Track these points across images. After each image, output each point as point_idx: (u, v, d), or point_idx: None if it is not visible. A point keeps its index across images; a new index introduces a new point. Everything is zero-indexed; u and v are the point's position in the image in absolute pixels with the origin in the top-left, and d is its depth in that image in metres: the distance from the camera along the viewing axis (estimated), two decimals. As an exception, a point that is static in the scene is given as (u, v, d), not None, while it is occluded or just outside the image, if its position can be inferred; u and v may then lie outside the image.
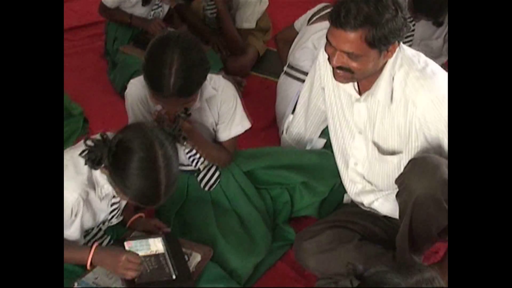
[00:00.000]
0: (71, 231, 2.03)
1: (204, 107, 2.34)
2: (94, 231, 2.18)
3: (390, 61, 2.07)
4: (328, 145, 2.50)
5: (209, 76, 2.24)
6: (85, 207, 2.01)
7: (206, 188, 2.48)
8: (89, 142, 1.90)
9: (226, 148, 2.44)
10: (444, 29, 3.39)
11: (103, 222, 2.18)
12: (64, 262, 1.93)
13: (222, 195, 2.48)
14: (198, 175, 2.47)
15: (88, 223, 2.09)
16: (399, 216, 2.17)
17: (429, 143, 2.13)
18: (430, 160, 2.03)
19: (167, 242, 2.15)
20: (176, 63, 2.09)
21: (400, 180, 2.11)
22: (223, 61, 3.52)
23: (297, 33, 3.13)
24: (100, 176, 1.98)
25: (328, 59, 2.06)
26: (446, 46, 3.41)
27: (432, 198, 2.01)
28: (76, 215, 2.00)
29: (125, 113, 2.39)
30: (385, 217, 2.33)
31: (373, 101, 2.14)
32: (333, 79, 2.11)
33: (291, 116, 2.67)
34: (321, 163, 2.52)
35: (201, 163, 2.44)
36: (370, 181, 2.30)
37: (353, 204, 2.41)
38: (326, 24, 2.01)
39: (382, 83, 2.09)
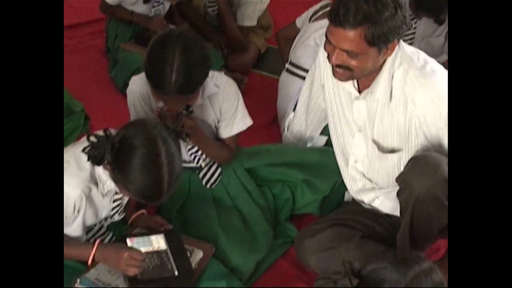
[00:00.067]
0: (74, 227, 2.03)
1: (206, 104, 2.34)
2: (96, 228, 2.19)
3: (390, 59, 2.07)
4: (329, 143, 2.50)
5: (211, 73, 2.24)
6: (87, 203, 2.01)
7: (208, 186, 2.48)
8: (92, 139, 1.90)
9: (228, 145, 2.44)
10: (445, 27, 3.39)
11: (105, 219, 2.18)
12: (66, 259, 1.93)
13: (223, 192, 2.48)
14: (199, 172, 2.47)
15: (91, 220, 2.10)
16: (400, 214, 2.17)
17: (429, 141, 2.14)
18: (431, 158, 2.04)
19: (169, 239, 2.16)
20: (177, 61, 2.10)
21: (400, 179, 2.11)
22: (224, 59, 3.53)
23: (299, 30, 3.13)
24: (102, 172, 1.99)
25: (328, 57, 2.07)
26: (447, 44, 3.42)
27: (433, 196, 2.01)
28: (78, 212, 2.00)
29: (126, 110, 2.39)
30: (386, 215, 2.34)
31: (373, 99, 2.14)
32: (333, 77, 2.12)
33: (292, 114, 2.67)
34: (323, 160, 2.52)
35: (203, 160, 2.44)
36: (370, 179, 2.31)
37: (354, 202, 2.42)
38: (327, 21, 2.02)
39: (382, 81, 2.09)
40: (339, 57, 2.01)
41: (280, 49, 3.34)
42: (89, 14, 3.91)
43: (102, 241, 2.06)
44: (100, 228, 2.20)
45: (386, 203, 2.31)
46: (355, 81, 2.16)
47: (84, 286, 2.02)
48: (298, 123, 2.59)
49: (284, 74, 3.10)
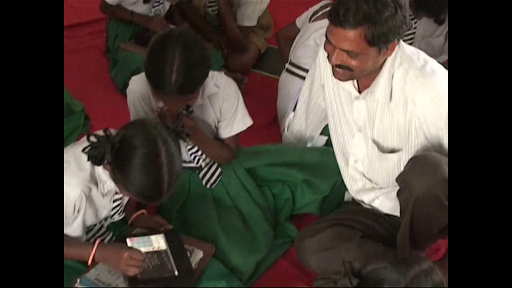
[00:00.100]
0: (74, 227, 2.03)
1: (206, 104, 2.34)
2: (96, 228, 2.19)
3: (390, 59, 2.07)
4: (329, 143, 2.50)
5: (211, 73, 2.24)
6: (87, 203, 2.01)
7: (208, 185, 2.48)
8: (92, 139, 1.90)
9: (228, 145, 2.44)
10: (445, 27, 3.39)
11: (105, 219, 2.18)
12: (66, 259, 1.93)
13: (223, 192, 2.49)
14: (199, 172, 2.47)
15: (91, 220, 2.10)
16: (400, 214, 2.17)
17: (429, 141, 2.14)
18: (431, 158, 2.04)
19: (169, 239, 2.16)
20: (177, 61, 2.10)
21: (400, 179, 2.11)
22: (224, 59, 3.53)
23: (299, 30, 3.13)
24: (102, 172, 1.99)
25: (328, 57, 2.07)
26: (447, 44, 3.42)
27: (433, 196, 2.01)
28: (78, 212, 2.00)
29: (126, 110, 2.39)
30: (386, 215, 2.34)
31: (373, 99, 2.14)
32: (333, 77, 2.12)
33: (292, 114, 2.67)
34: (323, 160, 2.52)
35: (203, 160, 2.44)
36: (370, 179, 2.31)
37: (354, 202, 2.42)
38: (327, 21, 2.02)
39: (382, 81, 2.09)
40: (339, 57, 2.01)
41: (280, 49, 3.34)
42: (89, 14, 3.91)
43: (102, 241, 2.06)
44: (100, 228, 2.20)
45: (386, 203, 2.31)
46: (355, 81, 2.16)
47: (84, 286, 2.02)
48: (298, 123, 2.59)
49: (284, 74, 3.10)
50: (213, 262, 2.21)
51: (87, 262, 2.02)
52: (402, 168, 2.13)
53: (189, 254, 2.17)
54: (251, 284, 2.31)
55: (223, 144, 2.44)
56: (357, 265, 1.54)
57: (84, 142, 1.92)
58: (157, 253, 2.11)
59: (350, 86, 2.18)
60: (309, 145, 2.62)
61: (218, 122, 2.40)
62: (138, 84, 2.33)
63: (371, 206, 2.35)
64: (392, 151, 2.20)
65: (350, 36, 1.95)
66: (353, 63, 2.01)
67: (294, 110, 2.66)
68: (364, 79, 2.13)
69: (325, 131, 2.53)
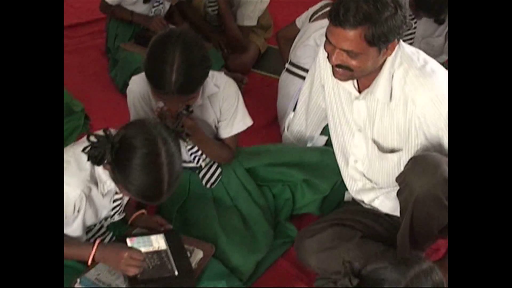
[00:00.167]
0: (74, 227, 2.03)
1: (206, 104, 2.34)
2: (96, 228, 2.19)
3: (390, 59, 2.07)
4: (329, 143, 2.50)
5: (211, 73, 2.24)
6: (87, 203, 2.01)
7: (208, 185, 2.48)
8: (92, 138, 1.90)
9: (228, 145, 2.44)
10: (445, 27, 3.39)
11: (105, 219, 2.19)
12: (66, 258, 1.93)
13: (223, 192, 2.49)
14: (199, 172, 2.47)
15: (91, 220, 2.10)
16: (400, 214, 2.17)
17: (429, 141, 2.14)
18: (431, 158, 2.04)
19: (169, 239, 2.16)
20: (177, 61, 2.10)
21: (400, 179, 2.11)
22: (224, 59, 3.53)
23: (299, 30, 3.13)
24: (102, 172, 1.99)
25: (328, 57, 2.07)
26: (447, 44, 3.42)
27: (433, 196, 2.01)
28: (78, 212, 2.00)
29: (126, 110, 2.39)
30: (386, 215, 2.34)
31: (373, 99, 2.14)
32: (333, 77, 2.12)
33: (292, 114, 2.67)
34: (323, 160, 2.52)
35: (203, 160, 2.44)
36: (370, 179, 2.31)
37: (354, 202, 2.42)
38: (327, 21, 2.02)
39: (382, 81, 2.09)
40: (339, 57, 2.01)
41: (280, 49, 3.34)
42: (89, 14, 3.91)
43: (102, 241, 2.06)
44: (100, 228, 2.20)
45: (386, 203, 2.31)
46: (355, 81, 2.16)
47: (84, 286, 2.02)
48: (298, 123, 2.59)
49: (284, 74, 3.10)
50: (213, 262, 2.21)
51: (87, 262, 2.02)
52: (402, 168, 2.13)
53: (189, 254, 2.17)
54: (251, 284, 2.31)
55: (223, 144, 2.44)
56: (357, 265, 1.54)
57: (84, 142, 1.93)
58: (157, 253, 2.11)
59: (350, 86, 2.18)
60: (309, 145, 2.62)
61: (218, 122, 2.41)
62: (138, 84, 2.33)
63: (371, 206, 2.35)
64: (392, 151, 2.20)
65: (350, 36, 1.95)
66: (353, 63, 2.01)
67: (294, 110, 2.66)
68: (364, 79, 2.13)
69: (325, 131, 2.53)
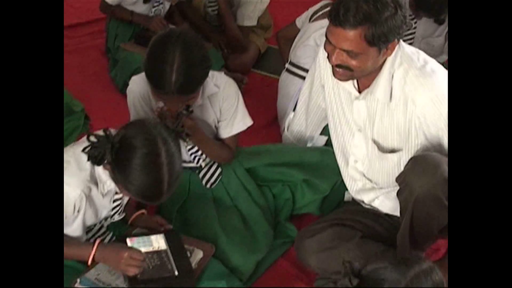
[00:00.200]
0: (74, 227, 2.03)
1: (206, 104, 2.34)
2: (96, 228, 2.19)
3: (390, 59, 2.07)
4: (329, 143, 2.50)
5: (211, 73, 2.24)
6: (87, 203, 2.01)
7: (208, 185, 2.48)
8: (92, 138, 1.90)
9: (228, 145, 2.44)
10: (445, 27, 3.39)
11: (105, 219, 2.19)
12: (66, 258, 1.93)
13: (223, 192, 2.49)
14: (199, 172, 2.47)
15: (91, 220, 2.10)
16: (400, 214, 2.17)
17: (429, 141, 2.14)
18: (431, 158, 2.04)
19: (169, 239, 2.16)
20: (177, 61, 2.10)
21: (400, 179, 2.11)
22: (224, 59, 3.53)
23: (299, 30, 3.13)
24: (102, 172, 1.99)
25: (328, 57, 2.07)
26: (447, 44, 3.42)
27: (433, 196, 2.01)
28: (78, 212, 2.00)
29: (126, 110, 2.39)
30: (386, 215, 2.34)
31: (373, 99, 2.14)
32: (333, 77, 2.12)
33: (292, 114, 2.67)
34: (323, 160, 2.52)
35: (203, 160, 2.44)
36: (370, 179, 2.31)
37: (354, 202, 2.42)
38: (327, 21, 2.02)
39: (382, 81, 2.09)
40: (339, 57, 2.01)
41: (280, 49, 3.34)
42: (89, 14, 3.91)
43: (102, 241, 2.06)
44: (100, 228, 2.20)
45: (386, 203, 2.31)
46: (355, 81, 2.16)
47: (84, 286, 2.02)
48: (298, 123, 2.59)
49: (284, 74, 3.10)
50: (213, 262, 2.21)
51: (87, 262, 2.02)
52: (402, 168, 2.13)
53: (189, 254, 2.17)
54: (251, 284, 2.31)
55: (223, 144, 2.44)
56: (357, 265, 1.54)
57: (84, 142, 1.93)
58: (157, 253, 2.11)
59: (350, 86, 2.18)
60: (309, 145, 2.62)
61: (218, 122, 2.41)
62: (138, 84, 2.33)
63: (371, 206, 2.35)
64: (392, 151, 2.20)
65: (350, 36, 1.95)
66: (353, 63, 2.01)
67: (294, 110, 2.66)
68: (364, 79, 2.13)
69: (325, 131, 2.53)
